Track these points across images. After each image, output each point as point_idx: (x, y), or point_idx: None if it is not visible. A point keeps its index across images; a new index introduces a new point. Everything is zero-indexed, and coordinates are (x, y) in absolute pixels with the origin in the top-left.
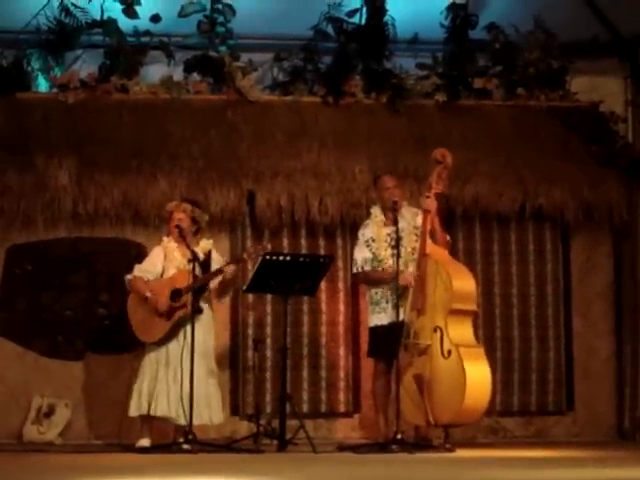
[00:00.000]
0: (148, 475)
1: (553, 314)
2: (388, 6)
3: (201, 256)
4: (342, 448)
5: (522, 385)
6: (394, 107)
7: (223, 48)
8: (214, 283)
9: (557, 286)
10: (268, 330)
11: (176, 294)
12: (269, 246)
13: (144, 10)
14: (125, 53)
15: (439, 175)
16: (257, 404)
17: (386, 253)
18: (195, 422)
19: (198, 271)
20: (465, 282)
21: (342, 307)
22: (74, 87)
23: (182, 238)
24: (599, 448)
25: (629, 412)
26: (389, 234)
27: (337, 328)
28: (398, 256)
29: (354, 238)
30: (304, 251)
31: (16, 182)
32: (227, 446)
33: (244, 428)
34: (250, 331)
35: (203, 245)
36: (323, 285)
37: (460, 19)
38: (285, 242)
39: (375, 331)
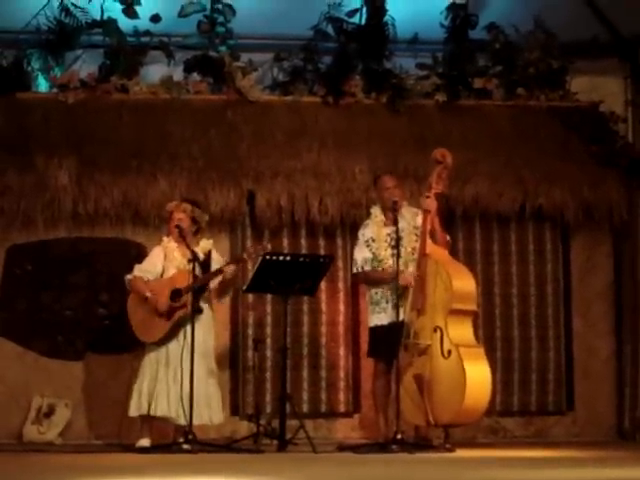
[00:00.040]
0: (148, 475)
1: (553, 314)
2: (388, 6)
3: (201, 256)
4: (342, 448)
5: (522, 385)
6: (394, 107)
7: (223, 48)
8: (214, 283)
9: (557, 286)
10: (268, 330)
11: (176, 294)
12: (269, 246)
13: (144, 10)
14: (125, 53)
15: (439, 175)
16: (257, 404)
17: (386, 253)
18: (195, 422)
19: (198, 271)
20: (465, 282)
21: (342, 307)
22: (74, 87)
23: (182, 238)
24: (599, 448)
25: (629, 412)
26: (389, 234)
27: (337, 328)
28: (398, 256)
29: (354, 238)
30: (304, 251)
31: (16, 182)
32: (227, 446)
33: (244, 428)
34: (250, 331)
35: (203, 245)
36: (323, 285)
37: (460, 19)
38: (285, 242)
39: (375, 331)
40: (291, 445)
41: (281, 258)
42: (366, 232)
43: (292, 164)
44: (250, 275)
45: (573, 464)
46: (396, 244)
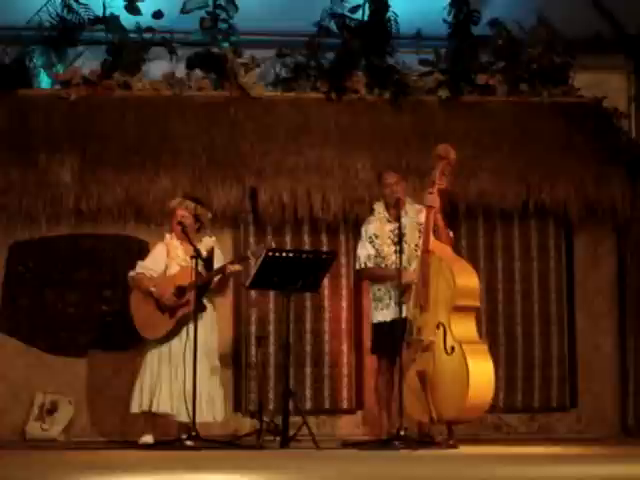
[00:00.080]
0: (151, 472)
1: (556, 310)
2: (391, 2)
3: (204, 253)
4: (345, 445)
5: (525, 381)
6: (397, 103)
7: (226, 44)
8: (215, 280)
9: (560, 282)
10: (271, 327)
11: (180, 292)
12: (273, 243)
13: (146, 6)
14: (127, 49)
15: (442, 171)
16: (260, 400)
17: (389, 249)
18: (198, 420)
19: (201, 268)
20: (468, 278)
21: (345, 304)
22: (76, 84)
23: (185, 235)
24: (603, 444)
25: (633, 408)
26: (392, 230)
27: (340, 325)
28: (401, 252)
29: (357, 234)
30: (307, 248)
31: (18, 179)
32: (230, 442)
33: (247, 424)
34: (253, 328)
35: (206, 242)
36: (326, 281)
37: (463, 15)
38: (288, 239)
39: (378, 327)
40: (294, 442)
41: (284, 254)
42: (369, 228)
43: (295, 160)
44: (253, 271)
45: (577, 461)
46: (399, 240)
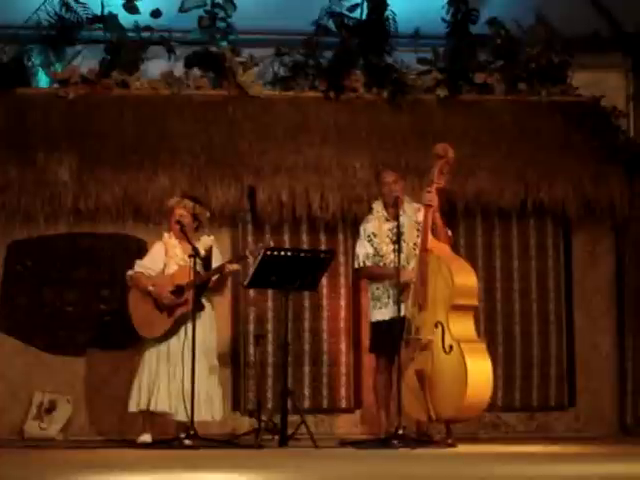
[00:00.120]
0: (149, 470)
1: (555, 309)
2: (389, 1)
3: (202, 252)
4: (343, 444)
5: (524, 380)
6: (395, 102)
7: (224, 43)
8: (214, 279)
9: (558, 281)
10: (269, 325)
11: (178, 291)
12: (271, 242)
13: (145, 5)
14: (126, 48)
15: (440, 170)
16: (258, 400)
17: (387, 248)
18: (196, 419)
19: (199, 268)
20: (466, 277)
21: (343, 302)
22: (75, 82)
23: (183, 234)
24: (601, 443)
25: (631, 407)
26: (390, 229)
27: (338, 323)
28: (399, 251)
29: (355, 233)
30: (305, 247)
31: (16, 178)
32: (228, 442)
33: (245, 424)
34: (251, 327)
35: (204, 241)
36: (324, 280)
37: (461, 14)
38: (286, 237)
39: (377, 326)
40: (292, 441)
41: (282, 253)
42: (368, 227)
43: (293, 159)
44: (251, 270)
45: (575, 459)
46: (397, 239)
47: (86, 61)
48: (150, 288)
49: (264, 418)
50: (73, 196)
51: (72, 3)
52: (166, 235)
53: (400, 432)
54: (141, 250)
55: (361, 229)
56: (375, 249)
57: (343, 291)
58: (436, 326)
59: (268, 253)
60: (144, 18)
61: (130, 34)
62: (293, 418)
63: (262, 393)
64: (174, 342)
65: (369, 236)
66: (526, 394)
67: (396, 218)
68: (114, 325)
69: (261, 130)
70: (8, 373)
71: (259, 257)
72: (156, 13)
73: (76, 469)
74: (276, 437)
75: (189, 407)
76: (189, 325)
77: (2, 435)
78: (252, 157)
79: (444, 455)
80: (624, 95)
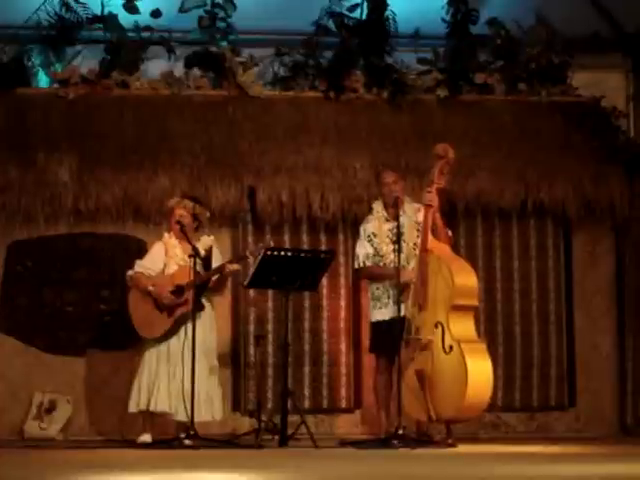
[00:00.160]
0: (150, 471)
1: (555, 309)
2: (389, 1)
3: (202, 253)
4: (343, 444)
5: (524, 380)
6: (395, 102)
7: (224, 43)
8: (214, 279)
9: (559, 281)
10: (269, 326)
11: (178, 290)
12: (271, 243)
13: (145, 5)
14: (126, 48)
15: (441, 170)
16: (259, 400)
17: (387, 248)
18: (196, 419)
19: (199, 268)
20: (467, 277)
21: (343, 303)
22: (75, 83)
23: (183, 234)
24: (601, 444)
25: (631, 407)
26: (390, 229)
27: (338, 324)
28: (399, 252)
29: (355, 234)
30: (305, 247)
31: (17, 178)
32: (228, 442)
33: (245, 424)
34: (251, 327)
35: (204, 241)
36: (324, 281)
37: (461, 14)
38: (286, 238)
39: (377, 326)
40: (292, 441)
41: (282, 253)
42: (368, 227)
43: (293, 160)
44: (251, 270)
45: (575, 459)
46: (397, 239)
47: (86, 61)
48: (150, 288)
49: (264, 418)
50: (73, 196)
51: (72, 3)
52: (166, 235)
53: (400, 432)
54: (141, 250)
55: (361, 229)
56: (375, 249)
57: (343, 291)
58: (436, 326)
59: (268, 253)
60: (144, 18)
61: (130, 34)
62: (293, 418)
63: (262, 393)
64: (174, 342)
65: (369, 236)
66: (526, 394)
67: (396, 218)
68: (114, 325)
69: (261, 130)
70: (8, 373)
71: (259, 257)
72: (156, 13)
73: (76, 469)
74: (276, 437)
75: (189, 407)
76: (189, 325)
77: (2, 435)
78: (252, 157)
79: (444, 455)
80: (624, 95)
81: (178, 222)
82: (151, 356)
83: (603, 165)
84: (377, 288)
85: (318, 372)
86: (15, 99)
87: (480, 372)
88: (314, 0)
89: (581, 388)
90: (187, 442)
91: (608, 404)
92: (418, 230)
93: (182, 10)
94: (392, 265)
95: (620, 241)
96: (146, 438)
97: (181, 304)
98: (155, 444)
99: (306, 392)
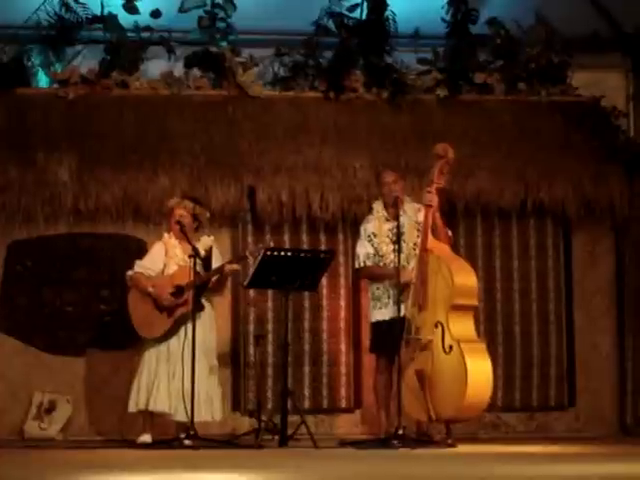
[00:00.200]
0: (149, 471)
1: (554, 309)
2: (389, 1)
3: (202, 253)
4: (343, 444)
5: (524, 380)
6: (395, 102)
7: (224, 43)
8: (214, 279)
9: (558, 281)
10: (269, 326)
11: (178, 291)
12: (271, 243)
13: (144, 5)
14: (125, 48)
15: (440, 170)
16: (258, 400)
17: (388, 248)
18: (196, 419)
19: (199, 268)
20: (466, 277)
21: (343, 303)
22: (74, 83)
23: (183, 234)
24: (601, 444)
25: (631, 407)
26: (390, 229)
27: (338, 324)
28: (399, 251)
29: (355, 234)
30: (305, 247)
31: (16, 178)
32: (228, 442)
33: (245, 424)
34: (251, 327)
35: (204, 242)
36: (324, 281)
37: (461, 14)
38: (286, 238)
39: (377, 326)
40: (292, 441)
41: (282, 253)
42: (368, 227)
43: (293, 159)
44: (251, 271)
45: (575, 459)
46: (397, 239)
47: (86, 61)
48: (150, 289)
49: (264, 418)
50: (73, 196)
51: (72, 3)
52: (166, 235)
53: (400, 432)
54: (141, 250)
55: (361, 229)
56: (375, 249)
57: (343, 291)
58: (436, 326)
59: (268, 253)
60: (144, 18)
61: (130, 34)
62: (293, 418)
63: (262, 393)
64: (174, 342)
65: (369, 236)
66: (526, 394)
67: (396, 218)
68: (114, 325)
69: (261, 130)
70: (8, 373)
71: (259, 257)
72: (156, 13)
73: (76, 469)
74: (276, 437)
75: (189, 407)
76: (189, 325)
77: (2, 435)
78: (252, 157)
79: (444, 455)
80: (624, 95)
81: (178, 222)
82: (151, 356)
83: (603, 165)
84: (377, 288)
85: (318, 372)
86: (15, 99)
87: (480, 372)
88: (314, 0)
89: (581, 388)
90: (187, 442)
91: (608, 404)
92: (418, 230)
93: (182, 10)
94: (392, 265)
95: (620, 241)
96: (146, 438)
97: (181, 304)
98: (155, 444)
99: (306, 392)
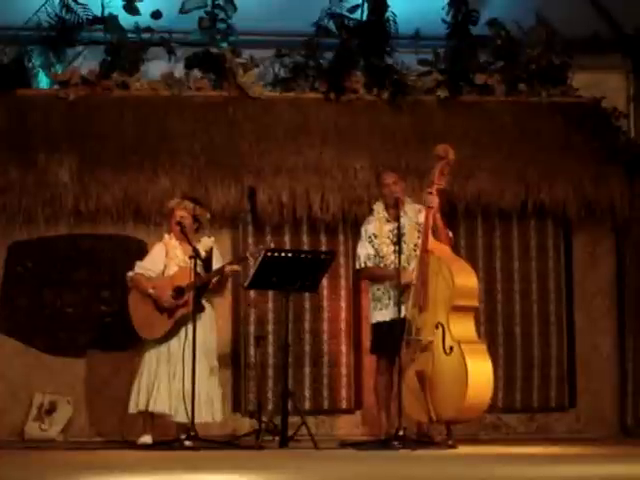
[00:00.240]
0: (150, 472)
1: (555, 310)
2: (389, 2)
3: (203, 254)
4: (344, 445)
5: (524, 381)
6: (396, 103)
7: (224, 44)
8: (214, 280)
9: (559, 282)
10: (270, 327)
11: (178, 292)
12: (272, 244)
13: (145, 6)
14: (126, 49)
15: (441, 171)
16: (259, 401)
17: (388, 249)
18: (196, 420)
19: (200, 269)
20: (467, 278)
21: (344, 304)
22: (75, 84)
23: (184, 235)
24: (602, 445)
25: (632, 408)
26: (391, 230)
27: (339, 324)
28: (400, 252)
29: (356, 235)
30: (306, 248)
31: (17, 179)
32: (229, 443)
33: (246, 425)
34: (252, 328)
35: (204, 242)
36: (325, 281)
37: (462, 15)
38: (287, 239)
39: (378, 327)
40: (293, 442)
41: (283, 254)
42: (369, 228)
43: (293, 160)
44: (252, 271)
45: (575, 460)
46: (398, 240)
47: (86, 62)
48: (150, 290)
49: (264, 419)
50: (73, 197)
51: (72, 4)
52: (166, 236)
53: (401, 433)
54: (141, 251)
55: (362, 230)
56: (376, 250)
57: (344, 292)
58: (437, 327)
59: (268, 254)
60: (144, 19)
61: (130, 35)
62: (294, 419)
63: (263, 394)
64: (174, 343)
65: (370, 237)
66: (527, 395)
67: (397, 219)
68: (114, 326)
69: (261, 131)
70: (8, 374)
71: (259, 258)
72: (156, 14)
73: (76, 470)
74: (277, 438)
75: (189, 408)
76: (189, 326)
77: (2, 436)
78: (252, 158)
79: (445, 456)
80: (624, 96)
81: (178, 223)
82: (151, 357)
83: (603, 166)
84: (378, 289)
85: (318, 373)
86: (15, 100)
87: (480, 373)
88: (314, 1)
89: (581, 389)
90: (187, 443)
91: (608, 405)
92: (419, 231)
93: (182, 11)
94: (393, 266)
95: (620, 242)
96: (146, 439)
97: (181, 305)
98: (155, 445)
99: (306, 393)
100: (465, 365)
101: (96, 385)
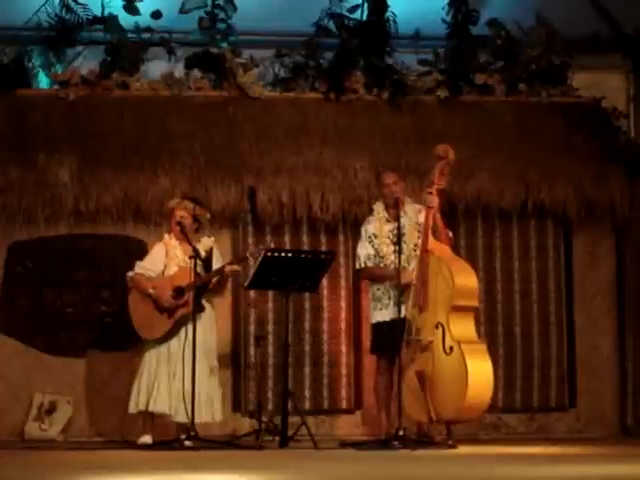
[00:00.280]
0: (150, 472)
1: (555, 310)
2: (389, 2)
3: (203, 254)
4: (344, 445)
5: (524, 381)
6: (396, 103)
7: (224, 44)
8: (214, 281)
9: (559, 282)
10: (270, 327)
11: (178, 292)
12: (272, 244)
13: (145, 6)
14: (126, 49)
15: (441, 171)
16: (259, 401)
17: (388, 249)
18: (196, 420)
19: (200, 269)
20: (467, 278)
21: (344, 304)
22: (75, 84)
23: (184, 235)
24: (602, 444)
25: (632, 408)
26: (391, 230)
27: (339, 324)
28: (400, 252)
29: (356, 235)
30: (306, 248)
31: (17, 179)
32: (229, 443)
33: (246, 425)
34: (252, 328)
35: (204, 243)
36: (325, 281)
37: (462, 15)
38: (287, 239)
39: (378, 327)
40: (293, 442)
41: (283, 254)
42: (369, 228)
43: (293, 160)
44: (252, 271)
45: (576, 460)
46: (398, 240)
47: (86, 62)
48: (150, 291)
49: (264, 419)
50: (73, 197)
51: (72, 4)
52: (166, 236)
53: (401, 433)
54: (141, 251)
55: (362, 230)
56: (376, 250)
57: (344, 292)
58: (437, 327)
59: (268, 254)
60: (144, 19)
61: (130, 35)
62: (294, 419)
63: (263, 394)
64: (174, 343)
65: (370, 237)
66: (527, 395)
67: (397, 219)
68: (114, 326)
69: (261, 131)
70: (8, 374)
71: (259, 258)
72: (156, 14)
73: (76, 470)
74: (277, 438)
75: (189, 408)
76: (189, 326)
77: (2, 436)
78: (252, 158)
79: (445, 456)
80: (624, 96)
81: (178, 223)
82: (151, 357)
83: (603, 166)
84: (378, 289)
85: (318, 373)
86: (15, 100)
87: (480, 373)
88: (314, 1)
89: (581, 389)
90: (187, 443)
91: (608, 405)
92: (419, 231)
93: (182, 11)
94: (393, 266)
95: (620, 242)
96: (146, 439)
97: (181, 305)
98: (155, 445)
99: (306, 393)
100: (465, 365)
101: (96, 385)
